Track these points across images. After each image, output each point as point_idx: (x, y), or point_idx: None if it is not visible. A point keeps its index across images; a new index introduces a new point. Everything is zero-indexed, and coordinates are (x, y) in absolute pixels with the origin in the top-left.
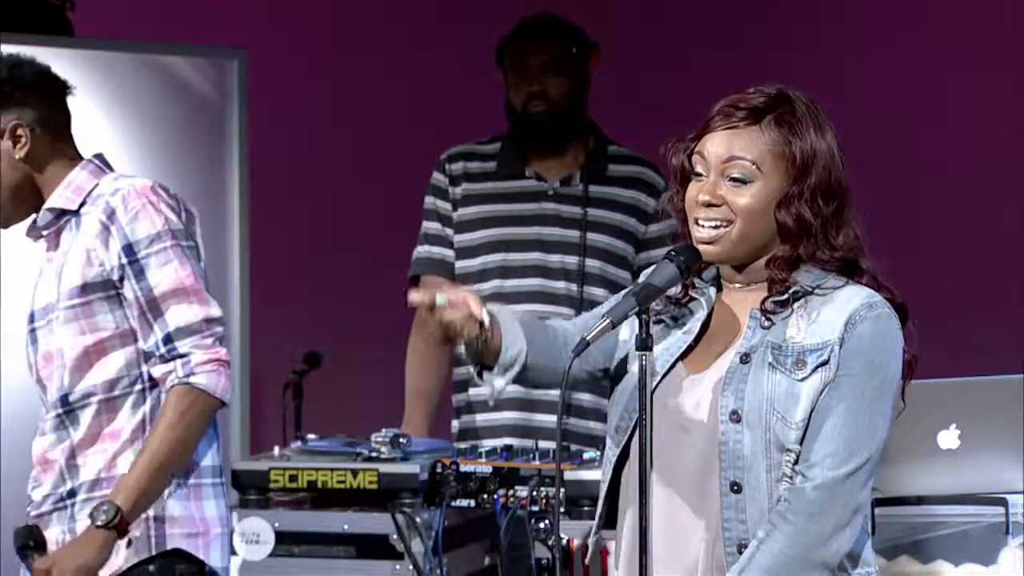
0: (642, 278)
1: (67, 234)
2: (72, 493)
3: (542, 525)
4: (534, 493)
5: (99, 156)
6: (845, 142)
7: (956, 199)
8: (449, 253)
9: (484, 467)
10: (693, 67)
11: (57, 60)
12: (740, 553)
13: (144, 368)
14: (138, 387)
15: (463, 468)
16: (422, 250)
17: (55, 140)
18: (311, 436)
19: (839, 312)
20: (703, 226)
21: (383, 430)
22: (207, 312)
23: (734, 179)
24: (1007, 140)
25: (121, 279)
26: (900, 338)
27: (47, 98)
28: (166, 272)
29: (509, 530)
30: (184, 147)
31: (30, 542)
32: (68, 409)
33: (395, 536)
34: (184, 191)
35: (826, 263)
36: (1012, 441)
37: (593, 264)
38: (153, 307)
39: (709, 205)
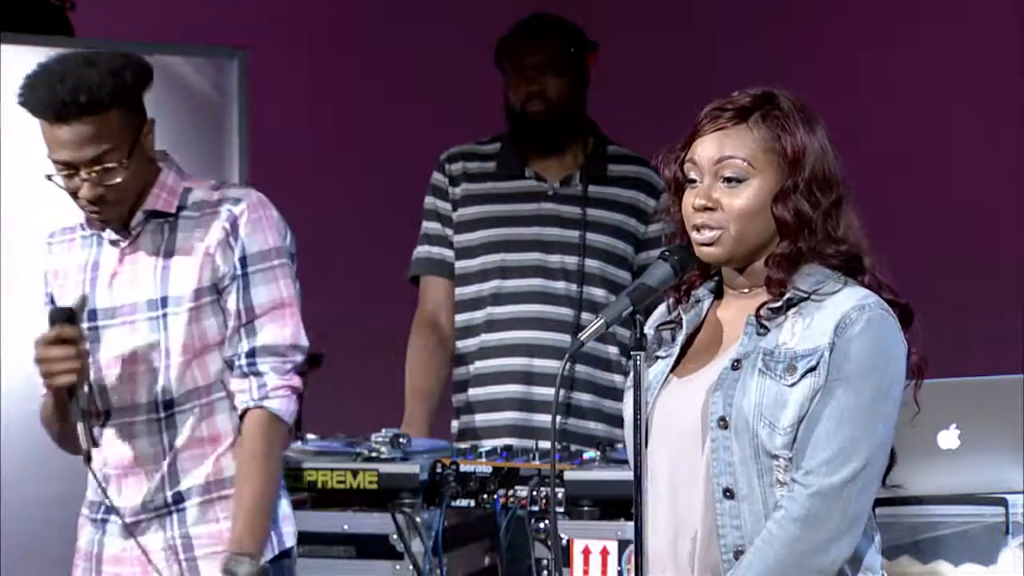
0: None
1: (155, 235)
2: (178, 498)
3: (542, 525)
4: (534, 493)
5: (167, 153)
6: (842, 142)
7: (956, 199)
8: (449, 253)
9: (484, 467)
10: (693, 67)
11: None
12: (736, 558)
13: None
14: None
15: (463, 468)
16: (422, 250)
17: None
18: (311, 436)
19: (830, 317)
20: (702, 232)
21: (383, 430)
22: (296, 339)
23: (728, 179)
24: (1007, 140)
25: (228, 287)
26: (898, 339)
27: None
28: (270, 290)
29: (509, 530)
30: (184, 147)
31: None
32: (168, 414)
33: (395, 536)
34: None
35: (830, 257)
36: (1012, 441)
37: (593, 264)
38: (249, 320)
39: (705, 209)
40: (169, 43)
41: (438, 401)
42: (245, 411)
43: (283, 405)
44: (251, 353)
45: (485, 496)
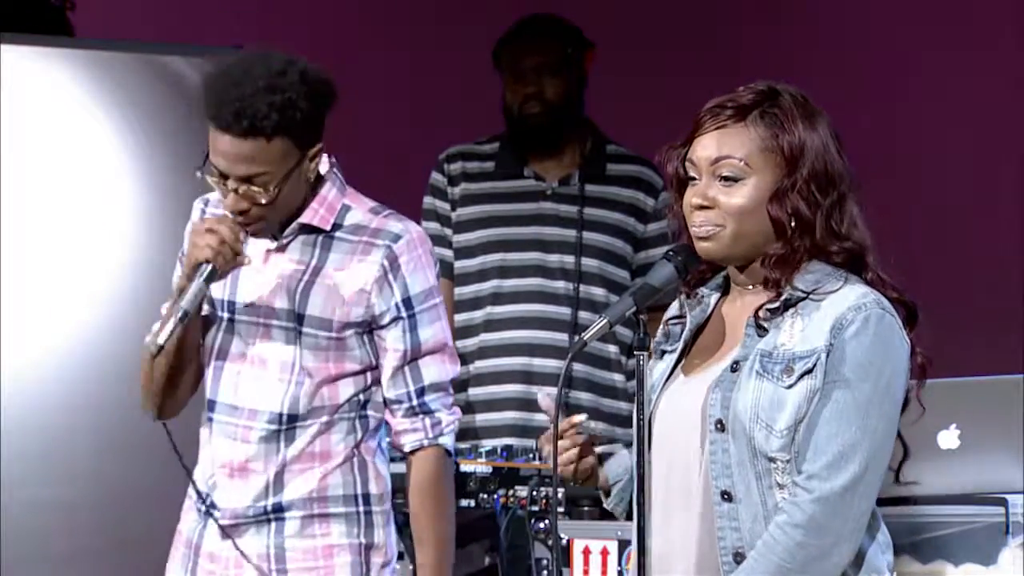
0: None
1: (305, 247)
2: (279, 508)
3: (542, 525)
4: (534, 493)
5: (336, 164)
6: (843, 141)
7: (956, 199)
8: (448, 253)
9: (484, 467)
10: (693, 67)
11: (57, 60)
12: (735, 561)
13: (363, 397)
14: (354, 414)
15: (463, 468)
16: None
17: None
18: None
19: (828, 318)
20: (698, 228)
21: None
22: (455, 372)
23: (725, 178)
24: (1007, 140)
25: (388, 326)
26: (897, 338)
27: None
28: (434, 329)
29: (509, 530)
30: (184, 147)
31: None
32: (290, 427)
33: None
34: (183, 191)
35: (833, 255)
36: (1012, 441)
37: (592, 264)
38: (414, 360)
39: (701, 207)
40: (169, 43)
41: None
42: (416, 450)
43: (452, 441)
44: (420, 392)
45: (485, 496)
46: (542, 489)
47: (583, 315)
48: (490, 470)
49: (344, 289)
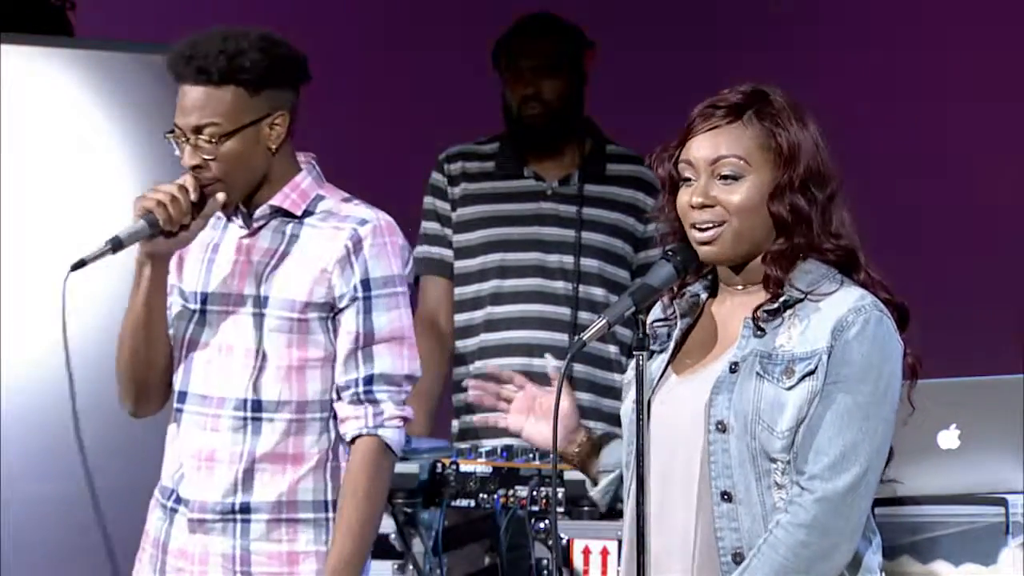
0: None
1: (276, 233)
2: (246, 508)
3: (542, 525)
4: (534, 493)
5: (315, 158)
6: (843, 142)
7: (956, 199)
8: (448, 253)
9: (484, 467)
10: (693, 67)
11: (57, 60)
12: (735, 561)
13: (332, 397)
14: (326, 415)
15: (463, 468)
16: (421, 250)
17: (290, 135)
18: None
19: (828, 319)
20: (700, 229)
21: None
22: (412, 368)
23: (725, 177)
24: (1008, 140)
25: (345, 308)
26: (895, 340)
27: (300, 84)
28: (391, 317)
29: (509, 530)
30: None
31: None
32: (256, 416)
33: (395, 536)
34: None
35: (828, 252)
36: (1012, 441)
37: (591, 264)
38: (366, 346)
39: (703, 207)
40: (169, 43)
41: (438, 401)
42: (356, 438)
43: (396, 436)
44: (368, 380)
45: (485, 496)
46: (542, 489)
47: (583, 315)
48: (490, 470)
49: (307, 269)
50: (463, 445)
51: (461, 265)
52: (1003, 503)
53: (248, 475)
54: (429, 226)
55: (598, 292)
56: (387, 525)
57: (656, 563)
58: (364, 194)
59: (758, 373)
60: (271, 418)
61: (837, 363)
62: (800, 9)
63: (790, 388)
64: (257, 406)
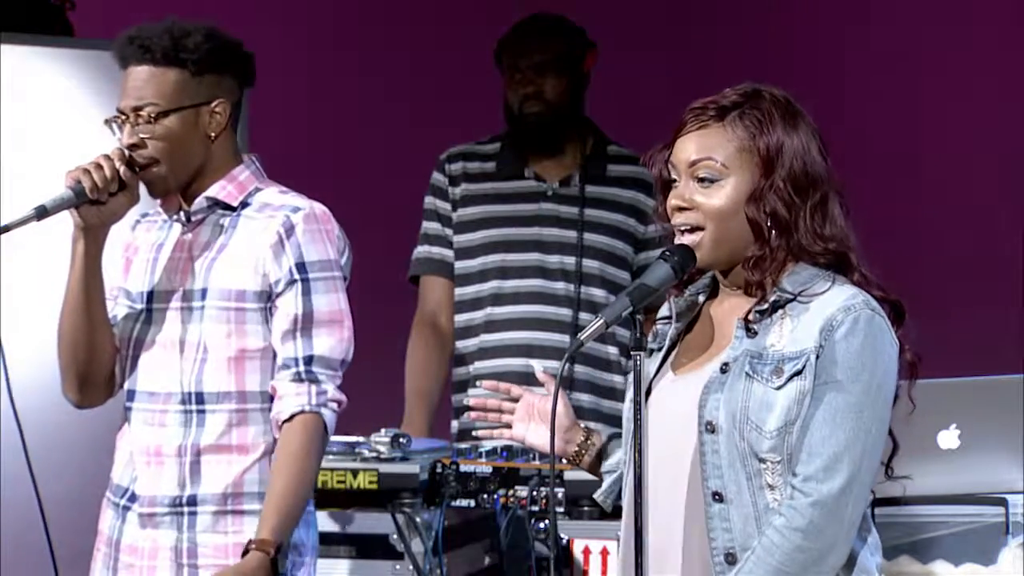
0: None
1: (213, 228)
2: (193, 501)
3: (542, 525)
4: (534, 493)
5: (258, 158)
6: (843, 142)
7: (956, 199)
8: (449, 253)
9: (484, 467)
10: (694, 67)
11: (57, 60)
12: (727, 561)
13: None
14: (268, 406)
15: (463, 468)
16: (422, 250)
17: (232, 128)
18: None
19: (817, 319)
20: (681, 231)
21: (383, 430)
22: (346, 355)
23: (702, 179)
24: (1008, 139)
25: (283, 292)
26: (886, 338)
27: (243, 79)
28: (329, 300)
29: (509, 530)
30: None
31: None
32: (200, 409)
33: (395, 536)
34: None
35: (818, 256)
36: (1012, 441)
37: (592, 264)
38: (306, 327)
39: (680, 209)
40: None
41: (438, 401)
42: (295, 414)
43: (333, 419)
44: (309, 360)
45: (485, 496)
46: (542, 489)
47: (583, 316)
48: (490, 470)
49: (242, 258)
50: (463, 445)
51: (461, 265)
52: (1003, 503)
53: (195, 468)
54: (430, 226)
55: (599, 293)
56: (387, 525)
57: (648, 562)
58: (364, 194)
59: (748, 373)
60: (213, 410)
61: (827, 363)
62: (800, 9)
63: (779, 388)
64: (200, 399)
